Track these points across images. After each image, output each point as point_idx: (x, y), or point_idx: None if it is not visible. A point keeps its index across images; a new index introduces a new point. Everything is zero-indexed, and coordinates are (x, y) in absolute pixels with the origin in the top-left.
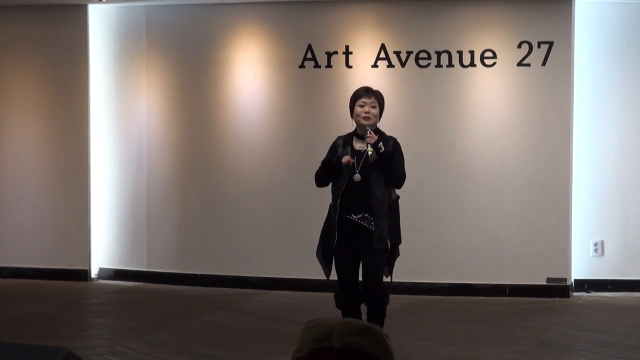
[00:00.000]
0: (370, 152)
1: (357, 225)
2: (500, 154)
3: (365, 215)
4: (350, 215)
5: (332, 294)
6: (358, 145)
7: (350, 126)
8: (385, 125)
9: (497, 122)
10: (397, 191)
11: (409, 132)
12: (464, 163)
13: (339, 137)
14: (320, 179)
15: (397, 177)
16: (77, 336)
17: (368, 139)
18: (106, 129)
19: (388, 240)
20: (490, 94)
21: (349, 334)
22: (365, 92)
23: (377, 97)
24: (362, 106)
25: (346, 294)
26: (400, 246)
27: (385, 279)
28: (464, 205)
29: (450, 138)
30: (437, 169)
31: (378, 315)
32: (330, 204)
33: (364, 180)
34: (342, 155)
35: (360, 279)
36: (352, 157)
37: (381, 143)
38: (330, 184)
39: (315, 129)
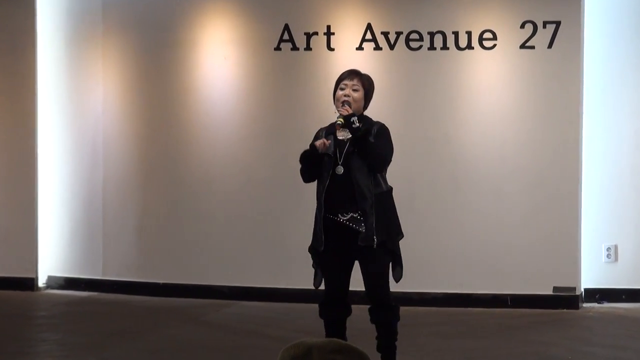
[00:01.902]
0: (339, 122)
1: (345, 227)
2: (500, 148)
3: (354, 215)
4: (337, 216)
5: (311, 305)
6: (341, 134)
7: (334, 116)
8: (371, 114)
9: (497, 112)
10: (389, 182)
11: (397, 122)
12: (460, 158)
13: (320, 129)
14: (304, 173)
15: (373, 157)
16: (23, 353)
17: (341, 110)
18: (56, 121)
19: (374, 237)
20: (489, 80)
21: (330, 352)
22: (348, 74)
23: (362, 80)
24: (342, 89)
25: (333, 304)
26: None
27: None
28: (459, 205)
29: (444, 129)
30: (430, 164)
31: (389, 335)
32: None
33: (347, 172)
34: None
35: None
36: (335, 148)
37: (356, 118)
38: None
39: (294, 118)
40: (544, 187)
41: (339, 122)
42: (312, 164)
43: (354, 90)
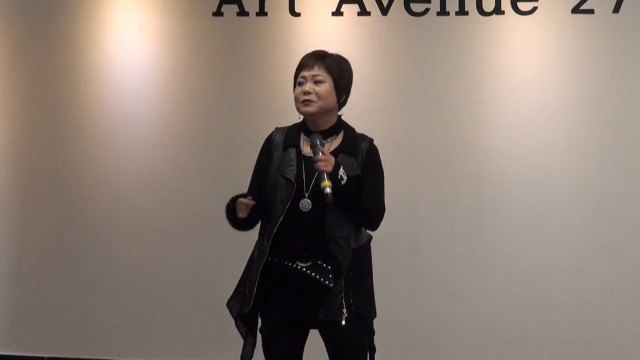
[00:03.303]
0: (327, 192)
1: (306, 278)
2: (544, 158)
3: (319, 262)
4: (295, 263)
5: None
6: (308, 147)
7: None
8: (356, 113)
9: (539, 107)
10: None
11: (394, 123)
12: (485, 174)
13: (276, 129)
14: (234, 223)
15: (368, 215)
16: None
17: (319, 164)
18: None
19: (344, 308)
20: (527, 60)
21: None
22: (306, 60)
23: (326, 65)
24: (300, 84)
25: None
26: (375, 320)
27: None
28: (484, 244)
29: (461, 133)
30: (441, 183)
31: None
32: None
33: (316, 210)
34: (283, 168)
35: None
36: (300, 166)
37: (342, 170)
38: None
39: (242, 116)
40: (610, 219)
41: (326, 189)
42: (239, 223)
43: (317, 82)
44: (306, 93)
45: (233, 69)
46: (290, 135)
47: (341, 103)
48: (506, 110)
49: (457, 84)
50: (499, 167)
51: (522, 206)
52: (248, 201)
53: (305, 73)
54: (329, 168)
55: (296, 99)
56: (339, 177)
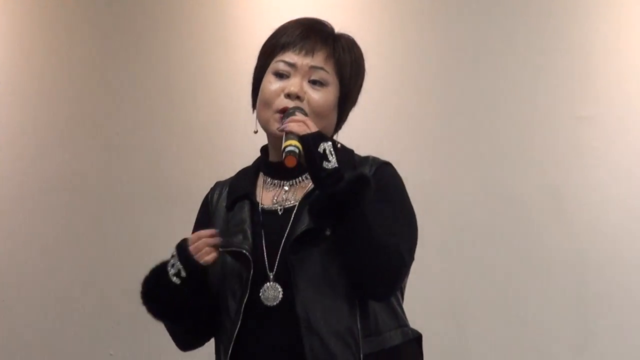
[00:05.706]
0: (290, 150)
1: None
2: None
3: None
4: None
5: None
6: (270, 195)
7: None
8: (357, 141)
9: None
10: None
11: (426, 158)
12: (596, 256)
13: (215, 184)
14: (163, 312)
15: (367, 254)
16: None
17: (289, 123)
18: None
19: None
20: None
21: None
22: (302, 34)
23: (339, 60)
24: (280, 75)
25: None
26: None
27: None
28: None
29: (551, 179)
30: (513, 270)
31: None
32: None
33: (289, 297)
34: (230, 238)
35: None
36: (258, 229)
37: (328, 146)
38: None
39: (153, 147)
40: None
41: (289, 149)
42: (176, 304)
43: (315, 83)
44: (292, 96)
45: (119, 65)
46: (240, 182)
47: (340, 123)
48: (632, 134)
49: (544, 89)
50: (618, 244)
51: None
52: (210, 233)
53: (296, 58)
54: (303, 130)
55: (266, 102)
56: (321, 152)
